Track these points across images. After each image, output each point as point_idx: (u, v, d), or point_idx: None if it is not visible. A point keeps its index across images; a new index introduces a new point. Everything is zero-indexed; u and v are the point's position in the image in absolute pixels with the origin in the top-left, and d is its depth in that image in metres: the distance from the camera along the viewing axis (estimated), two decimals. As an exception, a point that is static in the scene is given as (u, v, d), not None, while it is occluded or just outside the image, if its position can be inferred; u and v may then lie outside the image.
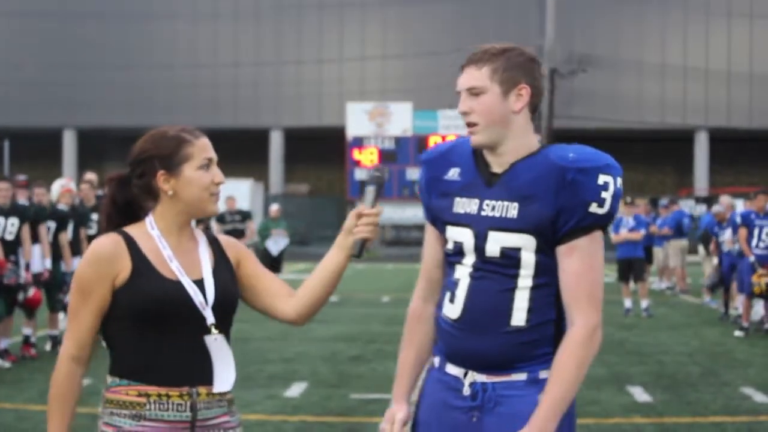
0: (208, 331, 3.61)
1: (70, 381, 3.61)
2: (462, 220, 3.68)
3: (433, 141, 44.40)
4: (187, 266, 3.65)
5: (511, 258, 3.60)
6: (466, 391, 3.70)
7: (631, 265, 20.34)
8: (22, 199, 14.20)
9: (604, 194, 3.54)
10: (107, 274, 3.57)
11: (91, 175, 16.22)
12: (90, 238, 14.76)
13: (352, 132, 45.54)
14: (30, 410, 10.04)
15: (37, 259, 13.98)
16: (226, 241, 3.85)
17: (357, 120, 45.77)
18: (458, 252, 3.71)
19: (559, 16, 47.60)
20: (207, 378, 3.62)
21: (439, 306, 3.80)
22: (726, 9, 51.41)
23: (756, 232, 16.79)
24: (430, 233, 3.87)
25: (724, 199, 20.85)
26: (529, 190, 3.58)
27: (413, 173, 44.35)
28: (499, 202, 3.62)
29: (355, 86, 51.35)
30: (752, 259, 16.62)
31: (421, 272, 3.93)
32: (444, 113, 45.40)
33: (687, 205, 44.61)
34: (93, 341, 3.63)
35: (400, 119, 45.68)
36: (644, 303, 19.93)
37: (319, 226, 47.47)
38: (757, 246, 16.75)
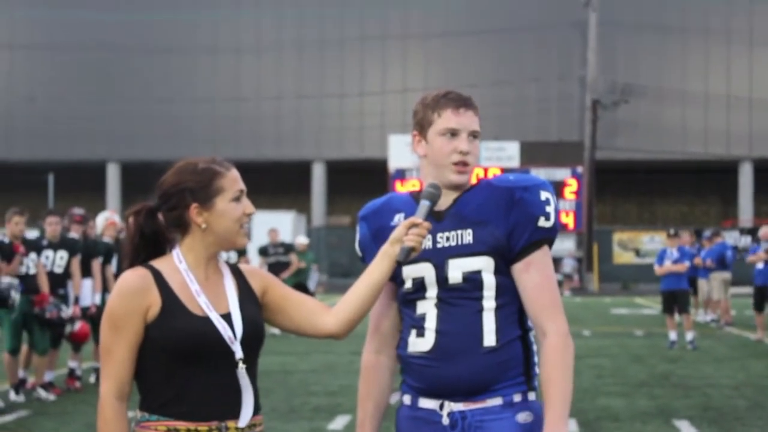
0: (236, 366, 3.60)
1: (118, 419, 3.57)
2: (419, 257, 3.80)
3: (476, 173, 44.23)
4: (215, 300, 3.64)
5: (473, 281, 3.78)
6: (445, 421, 3.80)
7: (676, 297, 20.18)
8: (76, 234, 14.30)
9: (548, 208, 3.79)
10: (138, 307, 3.55)
11: None
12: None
13: (394, 164, 45.56)
14: (76, 443, 10.09)
15: (87, 292, 14.12)
16: (249, 270, 3.83)
17: (399, 152, 45.77)
18: (419, 288, 3.86)
19: (601, 46, 47.53)
20: (236, 413, 3.61)
21: (402, 346, 3.93)
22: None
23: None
24: None
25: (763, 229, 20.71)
26: (480, 215, 3.80)
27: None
28: (453, 232, 3.82)
29: (398, 118, 51.42)
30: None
31: (370, 325, 4.07)
32: (486, 145, 45.33)
33: (731, 237, 44.35)
34: (131, 377, 3.60)
35: (442, 151, 45.71)
36: (689, 335, 19.77)
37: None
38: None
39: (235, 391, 3.61)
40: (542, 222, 3.77)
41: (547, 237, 3.81)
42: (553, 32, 50.87)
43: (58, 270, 13.59)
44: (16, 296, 12.47)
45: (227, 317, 3.63)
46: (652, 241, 47.25)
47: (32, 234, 14.08)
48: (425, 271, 3.83)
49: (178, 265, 3.67)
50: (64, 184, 51.42)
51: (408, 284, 3.88)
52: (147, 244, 3.71)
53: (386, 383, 4.02)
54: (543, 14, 50.86)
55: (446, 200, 3.85)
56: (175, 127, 51.69)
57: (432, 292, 3.83)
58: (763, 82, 51.21)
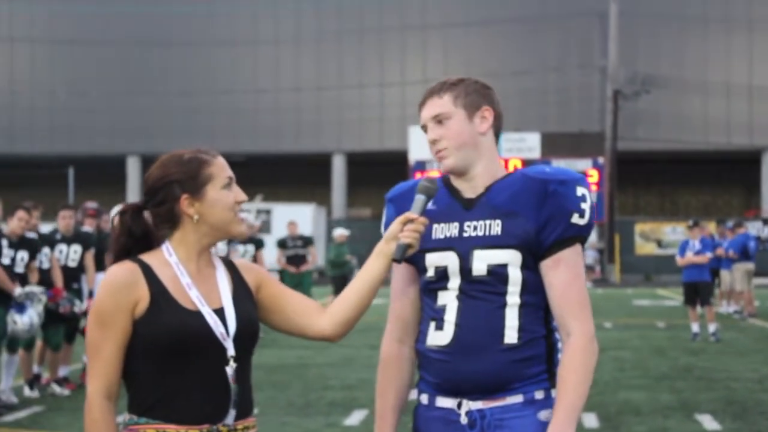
0: (227, 364, 3.42)
1: (106, 419, 3.40)
2: (444, 245, 3.67)
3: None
4: (207, 294, 3.47)
5: (498, 275, 3.62)
6: (464, 420, 3.64)
7: (698, 288, 19.96)
8: (90, 227, 14.18)
9: (583, 205, 3.62)
10: (126, 303, 3.38)
11: None
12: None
13: (414, 156, 45.37)
14: (89, 439, 9.95)
15: (101, 287, 13.99)
16: (243, 265, 3.67)
17: (419, 143, 45.57)
18: (441, 277, 3.69)
19: (621, 36, 47.25)
20: (229, 414, 3.44)
21: (421, 339, 3.76)
22: (792, 28, 50.82)
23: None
24: (398, 272, 3.86)
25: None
26: (511, 206, 3.63)
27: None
28: (481, 222, 3.66)
29: (417, 110, 51.23)
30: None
31: (391, 313, 3.89)
32: (507, 136, 45.12)
33: (754, 227, 44.07)
34: (120, 376, 3.44)
35: (463, 142, 45.49)
36: (712, 327, 19.56)
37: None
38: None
39: (228, 392, 3.43)
40: (576, 219, 3.61)
41: (580, 235, 3.65)
42: (574, 22, 50.61)
43: (72, 264, 13.50)
44: (31, 309, 12.27)
45: (220, 312, 3.46)
46: (674, 231, 46.97)
47: (49, 228, 13.96)
48: (449, 260, 3.67)
49: (168, 258, 3.50)
50: (84, 177, 51.47)
51: (430, 272, 3.71)
52: (135, 245, 3.54)
53: (407, 374, 3.84)
54: (564, 4, 50.62)
55: (476, 188, 3.71)
56: (194, 120, 51.64)
57: (454, 282, 3.67)
58: (785, 71, 50.84)
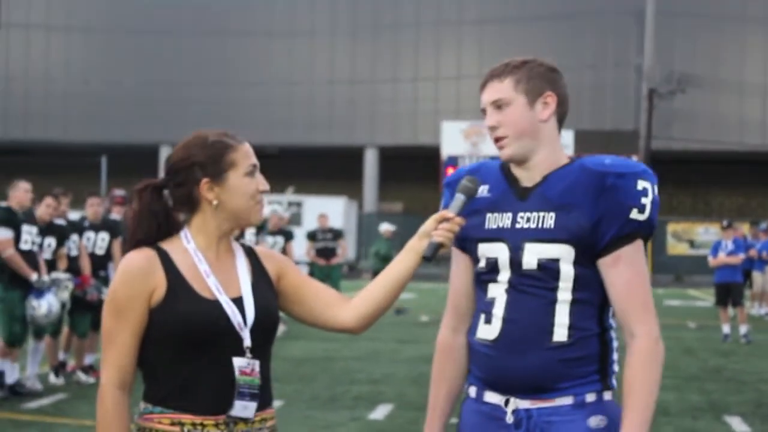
0: (243, 355, 3.34)
1: (119, 412, 3.32)
2: (495, 235, 3.55)
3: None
4: (225, 283, 3.39)
5: (549, 270, 3.47)
6: (509, 419, 3.51)
7: (730, 289, 19.80)
8: (118, 215, 14.14)
9: (644, 200, 3.44)
10: (142, 291, 3.30)
11: None
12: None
13: (446, 151, 45.25)
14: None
15: (128, 275, 13.93)
16: (264, 253, 3.58)
17: (452, 139, 45.49)
18: (492, 269, 3.57)
19: (658, 34, 46.94)
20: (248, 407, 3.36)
21: (472, 331, 3.64)
22: (831, 29, 50.36)
23: None
24: (457, 259, 3.74)
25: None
26: (566, 198, 3.47)
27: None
28: (534, 213, 3.50)
29: (451, 104, 51.11)
30: None
31: (449, 301, 3.79)
32: (540, 133, 44.99)
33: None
34: (134, 366, 3.36)
35: (496, 138, 45.30)
36: (743, 329, 19.38)
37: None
38: None
39: (239, 384, 3.34)
40: (635, 214, 3.43)
41: (640, 231, 3.46)
42: (611, 20, 50.30)
43: (100, 252, 13.48)
44: (58, 294, 12.23)
45: (238, 301, 3.37)
46: (707, 232, 46.65)
47: (78, 216, 13.95)
48: (499, 251, 3.53)
49: (186, 245, 3.42)
50: (117, 166, 51.56)
51: (482, 263, 3.59)
52: (153, 226, 3.44)
53: (461, 365, 3.73)
54: (601, 1, 50.33)
55: (533, 176, 3.55)
56: (228, 110, 51.62)
57: (504, 275, 3.54)
58: (823, 73, 50.39)
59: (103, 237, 13.51)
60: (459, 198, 3.51)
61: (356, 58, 52.75)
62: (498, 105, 3.53)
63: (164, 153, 53.96)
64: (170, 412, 3.31)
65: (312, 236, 22.59)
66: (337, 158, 54.05)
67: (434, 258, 3.48)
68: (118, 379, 3.33)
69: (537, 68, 3.56)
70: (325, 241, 22.49)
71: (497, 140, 3.54)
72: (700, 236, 47.38)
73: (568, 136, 44.03)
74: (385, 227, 25.43)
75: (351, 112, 52.62)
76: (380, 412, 11.23)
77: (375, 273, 24.07)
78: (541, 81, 3.54)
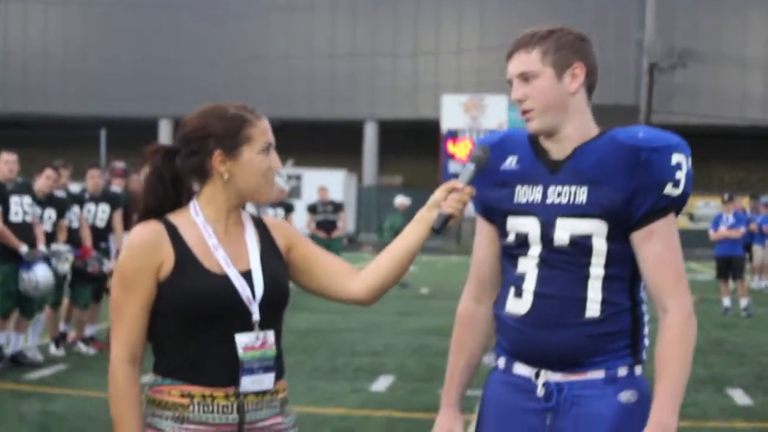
0: (252, 329, 3.31)
1: (130, 383, 3.30)
2: (526, 209, 3.47)
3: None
4: (234, 256, 3.34)
5: (581, 246, 3.39)
6: (540, 391, 3.46)
7: (730, 263, 19.79)
8: (118, 187, 14.09)
9: (678, 174, 3.34)
10: (150, 264, 3.27)
11: None
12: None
13: (446, 124, 45.18)
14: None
15: (128, 246, 13.87)
16: (273, 223, 3.54)
17: (452, 112, 45.41)
18: (522, 243, 3.49)
19: (659, 8, 46.83)
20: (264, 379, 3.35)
21: (500, 304, 3.58)
22: (832, 3, 50.23)
23: None
24: (482, 229, 3.67)
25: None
26: (599, 172, 3.37)
27: (508, 167, 43.89)
28: (566, 187, 3.42)
29: (452, 78, 51.02)
30: None
31: (471, 271, 3.71)
32: (540, 107, 44.90)
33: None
34: (144, 340, 3.33)
35: (495, 112, 45.21)
36: (743, 302, 19.37)
37: (412, 218, 47.23)
38: None
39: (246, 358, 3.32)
40: (669, 189, 3.34)
41: (674, 205, 3.38)
42: (611, -7, 50.17)
43: (100, 224, 13.44)
44: (57, 266, 12.21)
45: (247, 275, 3.33)
46: (707, 206, 46.61)
47: (78, 188, 13.90)
48: (530, 226, 3.46)
49: (195, 218, 3.38)
50: (116, 139, 51.45)
51: (511, 237, 3.51)
52: (163, 190, 3.40)
53: (482, 335, 3.69)
54: (601, -25, 50.19)
55: (564, 149, 3.46)
56: (226, 85, 51.51)
57: (535, 250, 3.46)
58: (824, 47, 50.29)
59: (104, 209, 13.46)
60: (469, 168, 3.43)
61: (356, 31, 52.61)
62: (525, 77, 3.44)
63: (163, 127, 53.93)
64: (180, 384, 3.29)
65: (312, 209, 22.57)
66: (337, 132, 53.96)
67: (443, 230, 3.43)
68: (128, 353, 3.31)
69: (565, 37, 3.48)
70: (325, 213, 22.47)
71: (524, 112, 3.44)
72: (700, 210, 47.34)
73: (568, 110, 43.95)
74: (401, 200, 25.31)
75: (351, 86, 52.51)
76: (381, 384, 11.22)
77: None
78: (569, 51, 3.45)
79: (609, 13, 49.96)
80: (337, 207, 22.86)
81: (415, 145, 54.07)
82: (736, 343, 15.21)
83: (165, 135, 53.98)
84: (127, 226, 13.75)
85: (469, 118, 45.23)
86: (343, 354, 13.14)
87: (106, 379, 3.34)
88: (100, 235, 13.40)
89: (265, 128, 3.40)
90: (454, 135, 45.04)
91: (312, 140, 54.19)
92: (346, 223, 23.96)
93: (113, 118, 52.61)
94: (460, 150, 44.72)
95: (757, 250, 25.35)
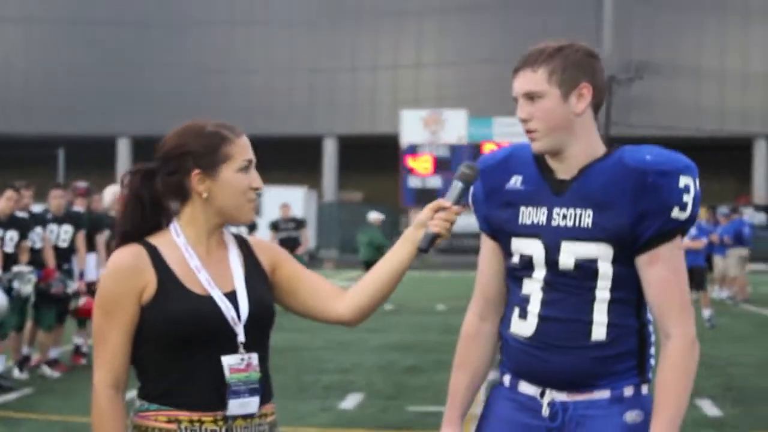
0: (236, 350, 3.24)
1: (114, 409, 3.23)
2: (530, 231, 3.41)
3: (489, 148, 44.07)
4: (217, 277, 3.27)
5: (586, 270, 3.34)
6: (545, 411, 3.42)
7: (693, 273, 19.82)
8: (80, 207, 13.96)
9: (686, 197, 3.29)
10: (132, 289, 3.20)
11: None
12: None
13: (406, 139, 45.28)
14: (79, 423, 9.74)
15: (92, 267, 13.75)
16: (258, 244, 3.46)
17: (411, 127, 45.49)
18: (526, 265, 3.43)
19: (616, 22, 47.14)
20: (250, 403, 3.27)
21: (505, 324, 3.53)
22: (786, 14, 50.72)
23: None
24: (487, 246, 3.60)
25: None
26: (605, 196, 3.31)
27: (468, 181, 43.97)
28: (571, 210, 3.35)
29: (410, 93, 51.09)
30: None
31: (477, 288, 3.64)
32: (499, 120, 45.07)
33: (746, 213, 44.03)
34: (127, 365, 3.26)
35: (455, 126, 45.33)
36: (706, 313, 19.44)
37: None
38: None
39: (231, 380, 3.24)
40: (676, 213, 3.28)
41: (680, 229, 3.33)
42: (570, 7, 50.42)
43: (63, 244, 13.30)
44: (20, 288, 12.10)
45: (231, 296, 3.26)
46: (667, 218, 46.92)
47: (39, 209, 13.76)
48: (534, 248, 3.40)
49: (176, 239, 3.30)
50: (74, 159, 51.22)
51: (515, 259, 3.46)
52: (142, 213, 3.32)
53: (486, 353, 3.62)
54: (558, -11, 50.45)
55: (569, 168, 3.40)
56: (185, 101, 51.36)
57: (539, 273, 3.40)
58: (779, 58, 50.76)
59: (66, 229, 13.33)
60: (456, 186, 3.36)
61: (315, 46, 52.60)
62: (530, 96, 3.36)
63: (121, 145, 53.68)
64: (167, 410, 3.22)
65: (275, 226, 22.50)
66: (297, 148, 53.90)
67: (430, 249, 3.36)
68: (111, 379, 3.24)
69: (573, 56, 3.37)
70: (287, 230, 22.40)
71: (528, 132, 3.37)
72: (660, 222, 47.62)
73: (527, 124, 44.12)
74: (375, 216, 25.24)
75: (310, 101, 52.48)
76: (351, 402, 11.16)
77: (366, 263, 23.79)
78: (576, 71, 3.36)
79: (566, 26, 50.20)
80: (300, 224, 22.81)
81: (375, 161, 54.08)
82: (703, 353, 14.86)
83: (123, 154, 53.75)
84: (90, 246, 13.64)
85: (428, 132, 45.31)
86: (311, 372, 13.08)
87: (71, 403, 3.28)
88: (63, 255, 13.26)
89: (245, 145, 3.33)
90: (413, 150, 45.12)
91: (271, 156, 53.98)
92: (308, 240, 23.90)
93: (71, 137, 52.28)
94: (420, 165, 44.79)
95: (718, 260, 25.49)
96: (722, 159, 54.22)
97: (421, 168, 44.77)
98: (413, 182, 44.68)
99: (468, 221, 41.52)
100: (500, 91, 51.48)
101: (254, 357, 3.28)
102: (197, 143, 3.28)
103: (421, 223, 3.36)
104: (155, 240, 3.31)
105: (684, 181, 3.30)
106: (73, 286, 13.09)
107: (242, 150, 3.31)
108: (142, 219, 3.33)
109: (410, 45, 52.32)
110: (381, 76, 52.13)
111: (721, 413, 10.56)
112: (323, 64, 52.30)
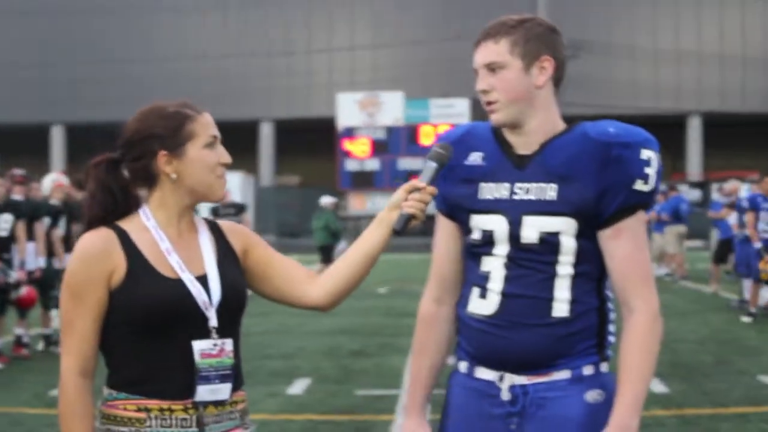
0: (209, 336, 3.17)
1: (82, 397, 3.16)
2: (491, 207, 3.36)
3: (425, 130, 44.07)
4: (189, 260, 3.21)
5: (549, 244, 3.30)
6: (505, 395, 3.37)
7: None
8: (19, 195, 13.73)
9: (648, 170, 3.29)
10: (100, 273, 3.13)
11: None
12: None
13: (342, 122, 45.17)
14: (24, 414, 9.60)
15: (31, 256, 13.53)
16: (229, 227, 3.40)
17: (348, 110, 45.40)
18: (487, 242, 3.37)
19: (550, 1, 47.28)
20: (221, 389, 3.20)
21: (463, 303, 3.47)
22: (717, -8, 51.20)
23: (763, 216, 16.43)
24: (443, 228, 3.55)
25: (732, 183, 20.50)
26: (569, 169, 3.28)
27: (405, 163, 43.99)
28: (535, 184, 3.31)
29: (346, 76, 50.98)
30: (759, 245, 16.26)
31: (432, 271, 3.60)
32: (435, 102, 45.11)
33: (680, 191, 44.49)
34: (96, 352, 3.20)
35: (391, 109, 45.29)
36: (647, 290, 19.56)
37: (311, 218, 47.12)
38: (764, 230, 16.39)
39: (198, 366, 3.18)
40: (639, 185, 3.27)
41: (643, 202, 3.31)
42: (502, -13, 50.53)
43: (3, 233, 13.07)
44: None
45: (203, 279, 3.20)
46: (603, 196, 47.28)
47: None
48: (496, 224, 3.35)
49: (146, 222, 3.24)
50: (7, 146, 50.59)
51: (475, 235, 3.40)
52: (113, 202, 3.26)
53: (445, 337, 3.57)
54: (491, -31, 50.55)
55: (530, 143, 3.36)
56: (119, 88, 50.93)
57: (501, 249, 3.35)
58: (711, 37, 51.24)
59: (6, 218, 13.11)
60: (430, 166, 3.33)
61: (249, 30, 52.32)
62: (491, 68, 3.34)
63: (55, 132, 53.15)
64: (136, 398, 3.16)
65: (215, 211, 22.32)
66: (233, 132, 53.50)
67: (405, 230, 3.31)
68: (79, 366, 3.17)
69: (535, 29, 3.37)
70: (228, 216, 22.23)
71: (488, 104, 3.35)
72: (597, 200, 47.98)
73: (463, 105, 44.29)
74: (328, 199, 25.31)
75: (246, 86, 52.22)
76: (298, 387, 11.10)
77: (322, 248, 23.73)
78: (538, 43, 3.35)
79: (501, 7, 50.26)
80: (240, 208, 22.68)
81: (312, 144, 53.96)
82: (646, 331, 15.30)
83: (57, 141, 53.22)
84: (30, 235, 13.44)
85: (365, 115, 45.22)
86: (255, 357, 12.99)
87: (14, 395, 3.20)
88: (3, 245, 13.04)
89: (208, 122, 3.29)
90: (350, 133, 45.03)
91: (207, 142, 53.80)
92: (249, 224, 23.78)
93: (3, 124, 51.69)
94: (357, 147, 44.72)
95: (657, 237, 25.68)
96: (658, 136, 53.51)
97: (358, 151, 44.71)
98: (351, 165, 44.61)
99: (406, 203, 41.51)
100: (436, 72, 51.71)
101: (228, 342, 3.23)
102: (160, 125, 3.23)
103: (395, 204, 3.33)
104: (124, 224, 3.24)
105: (646, 153, 3.31)
106: (14, 275, 12.89)
107: (206, 126, 3.28)
108: (114, 206, 3.27)
109: (344, 28, 52.19)
110: (316, 59, 51.98)
111: (668, 390, 10.61)
112: (258, 48, 52.03)
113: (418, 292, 15.53)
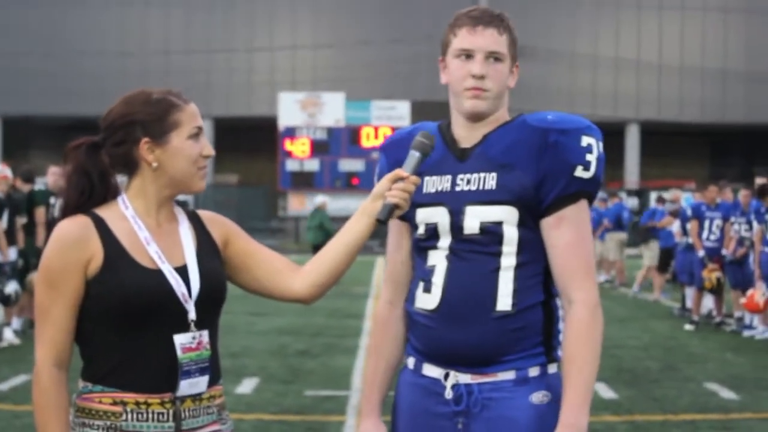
0: (187, 328, 3.11)
1: (57, 388, 3.10)
2: (434, 200, 3.37)
3: (366, 132, 44.04)
4: (167, 251, 3.16)
5: (492, 234, 3.30)
6: (449, 394, 3.35)
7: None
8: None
9: (588, 156, 3.28)
10: (77, 261, 3.07)
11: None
12: (24, 227, 14.26)
13: (283, 122, 44.95)
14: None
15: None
16: (209, 217, 3.35)
17: (289, 110, 45.19)
18: (432, 235, 3.38)
19: (491, 6, 47.43)
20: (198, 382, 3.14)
21: (410, 300, 3.46)
22: (657, 2, 51.61)
23: (707, 224, 16.59)
24: (395, 228, 3.55)
25: (674, 192, 20.69)
26: (508, 157, 3.31)
27: (346, 164, 43.93)
28: (475, 175, 3.33)
29: (287, 76, 50.81)
30: (702, 253, 16.41)
31: (387, 274, 3.59)
32: (377, 104, 45.04)
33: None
34: (71, 342, 3.13)
35: (333, 109, 45.15)
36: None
37: (249, 217, 46.86)
38: (707, 239, 16.55)
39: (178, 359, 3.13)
40: (579, 172, 3.26)
41: (585, 190, 3.30)
42: (444, -9, 50.65)
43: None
44: None
45: (182, 270, 3.14)
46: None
47: None
48: (439, 216, 3.35)
49: (125, 211, 3.18)
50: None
51: (421, 230, 3.40)
52: (90, 187, 3.18)
53: (399, 338, 3.55)
54: (434, -27, 50.61)
55: (474, 136, 3.38)
56: (58, 81, 50.34)
57: (444, 241, 3.35)
58: (650, 45, 51.64)
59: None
60: (414, 155, 3.30)
61: (190, 28, 51.98)
62: (495, 57, 3.36)
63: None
64: (111, 391, 3.11)
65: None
66: (172, 130, 53.32)
67: (389, 220, 3.28)
68: (54, 357, 3.11)
69: (515, 34, 3.46)
70: (171, 213, 22.15)
71: (478, 89, 3.34)
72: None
73: (404, 107, 44.29)
74: (321, 199, 25.68)
75: (186, 83, 51.84)
76: (246, 386, 11.05)
77: (315, 247, 23.71)
78: (515, 49, 3.44)
79: (444, 10, 50.39)
80: (182, 206, 22.49)
81: (251, 143, 53.70)
82: (589, 336, 15.38)
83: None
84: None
85: (306, 115, 45.07)
86: (202, 356, 12.90)
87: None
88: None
89: (194, 113, 3.24)
90: (291, 132, 44.85)
91: (146, 138, 53.42)
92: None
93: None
94: (297, 148, 44.57)
95: (597, 244, 25.84)
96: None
97: (298, 151, 44.54)
98: (291, 165, 44.43)
99: (345, 205, 41.53)
100: (377, 74, 51.69)
101: (205, 334, 3.18)
102: (145, 111, 3.18)
103: (379, 194, 3.30)
104: (102, 211, 3.18)
105: (586, 140, 3.30)
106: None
107: (191, 117, 3.23)
108: (91, 192, 3.20)
109: (285, 27, 52.00)
110: (257, 58, 51.74)
111: (616, 395, 10.67)
112: (198, 46, 51.71)
113: (360, 294, 15.73)
